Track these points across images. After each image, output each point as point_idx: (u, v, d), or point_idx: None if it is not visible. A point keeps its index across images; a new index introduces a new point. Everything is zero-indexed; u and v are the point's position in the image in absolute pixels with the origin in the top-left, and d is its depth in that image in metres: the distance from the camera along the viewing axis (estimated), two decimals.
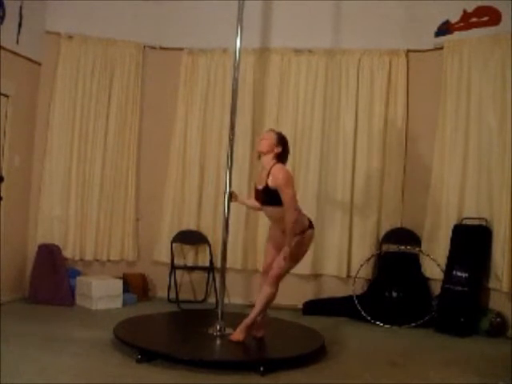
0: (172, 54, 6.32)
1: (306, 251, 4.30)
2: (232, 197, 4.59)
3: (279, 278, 4.25)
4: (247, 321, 4.24)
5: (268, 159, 4.19)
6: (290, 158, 6.01)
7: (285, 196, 4.01)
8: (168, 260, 6.09)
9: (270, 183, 4.07)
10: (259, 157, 4.32)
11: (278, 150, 4.21)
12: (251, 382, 3.65)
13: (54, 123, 6.00)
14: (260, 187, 4.20)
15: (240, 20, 4.69)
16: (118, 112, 6.21)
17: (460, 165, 5.56)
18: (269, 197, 4.13)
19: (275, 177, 4.06)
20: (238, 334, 4.22)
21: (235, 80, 4.70)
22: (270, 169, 4.13)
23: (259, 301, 4.26)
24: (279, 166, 4.16)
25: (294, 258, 4.17)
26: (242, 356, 4.14)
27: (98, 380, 3.55)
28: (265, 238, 6.02)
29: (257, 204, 4.40)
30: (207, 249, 6.14)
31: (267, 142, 4.22)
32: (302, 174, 6.07)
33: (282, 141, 4.26)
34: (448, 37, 5.72)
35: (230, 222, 4.71)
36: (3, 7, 5.24)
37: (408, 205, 5.94)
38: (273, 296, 4.24)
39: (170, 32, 6.29)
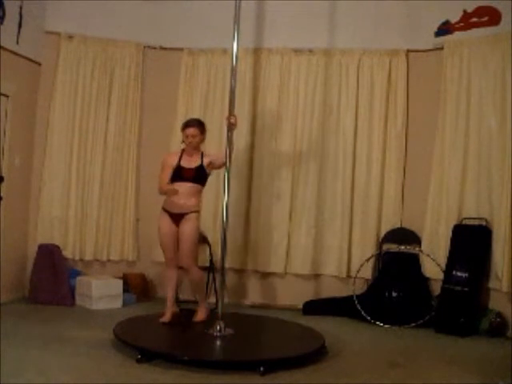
0: (172, 54, 6.32)
1: None
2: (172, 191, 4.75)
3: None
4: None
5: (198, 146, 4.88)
6: (290, 158, 6.09)
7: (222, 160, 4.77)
8: None
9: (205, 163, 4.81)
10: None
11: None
12: (251, 382, 3.65)
13: (54, 123, 6.00)
14: (192, 166, 4.77)
15: (237, 20, 4.68)
16: (117, 112, 6.21)
17: (460, 165, 5.56)
18: (199, 175, 4.79)
19: (212, 155, 4.92)
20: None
21: (233, 80, 4.69)
22: (203, 152, 4.87)
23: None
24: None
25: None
26: (242, 356, 4.14)
27: (98, 380, 3.55)
28: (265, 238, 6.06)
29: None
30: (207, 249, 6.13)
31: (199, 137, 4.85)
32: (301, 173, 6.07)
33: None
34: (448, 37, 5.71)
35: (229, 222, 4.71)
36: (3, 7, 5.24)
37: (408, 205, 5.94)
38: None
39: (170, 32, 6.28)
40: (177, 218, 4.74)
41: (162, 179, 4.78)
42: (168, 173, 4.78)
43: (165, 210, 4.77)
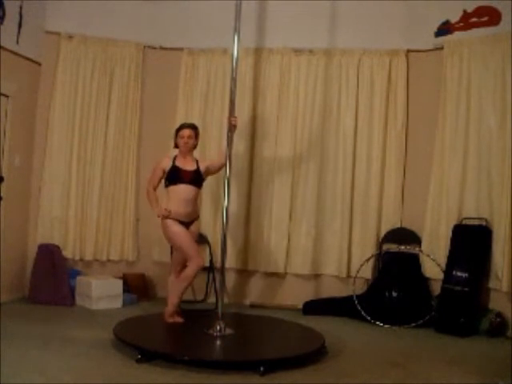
0: (172, 54, 6.32)
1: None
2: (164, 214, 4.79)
3: None
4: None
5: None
6: (290, 157, 6.09)
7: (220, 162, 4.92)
8: (168, 260, 6.08)
9: (202, 169, 4.90)
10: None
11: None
12: (251, 382, 3.65)
13: (54, 123, 6.00)
14: (190, 169, 4.82)
15: (238, 20, 4.68)
16: (118, 112, 6.21)
17: (460, 165, 5.56)
18: (197, 178, 4.86)
19: (208, 161, 5.12)
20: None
21: (233, 81, 4.70)
22: (197, 159, 4.97)
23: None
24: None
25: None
26: (242, 356, 4.14)
27: (98, 380, 3.55)
28: (265, 238, 6.06)
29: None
30: (207, 249, 6.14)
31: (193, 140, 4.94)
32: (302, 173, 6.07)
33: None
34: (448, 37, 5.72)
35: (229, 222, 4.71)
36: (3, 7, 5.24)
37: (408, 205, 5.94)
38: None
39: (169, 32, 6.29)
40: (186, 224, 4.81)
41: (151, 183, 4.86)
42: (159, 177, 4.85)
43: (175, 220, 4.76)
